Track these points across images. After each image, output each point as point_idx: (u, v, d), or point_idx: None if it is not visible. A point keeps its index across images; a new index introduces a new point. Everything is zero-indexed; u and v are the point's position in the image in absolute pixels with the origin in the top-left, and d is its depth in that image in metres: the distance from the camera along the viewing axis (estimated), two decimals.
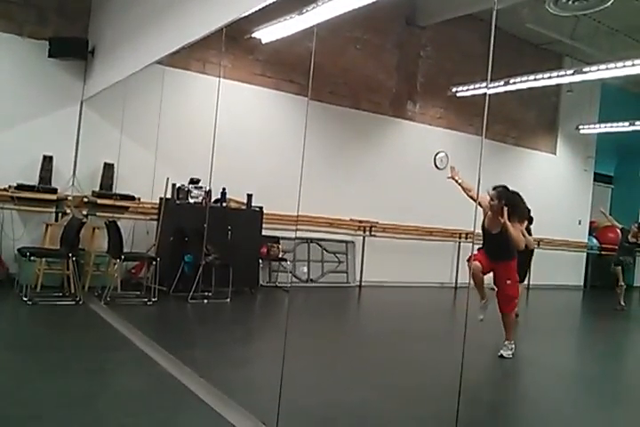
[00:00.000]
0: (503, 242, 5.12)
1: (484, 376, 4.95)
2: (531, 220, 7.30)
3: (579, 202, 13.29)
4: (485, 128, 3.36)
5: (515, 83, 9.26)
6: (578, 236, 13.06)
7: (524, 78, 9.19)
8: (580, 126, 12.62)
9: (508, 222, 4.98)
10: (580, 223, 13.27)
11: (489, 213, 5.26)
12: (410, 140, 10.55)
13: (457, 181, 5.66)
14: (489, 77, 3.28)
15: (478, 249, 5.52)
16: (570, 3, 7.99)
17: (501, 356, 5.29)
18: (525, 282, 11.55)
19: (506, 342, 5.37)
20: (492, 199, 5.18)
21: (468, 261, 5.67)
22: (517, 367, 5.40)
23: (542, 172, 12.63)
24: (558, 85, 10.69)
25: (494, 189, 5.23)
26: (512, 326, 5.47)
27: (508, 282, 5.33)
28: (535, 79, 9.14)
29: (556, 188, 12.67)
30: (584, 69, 8.60)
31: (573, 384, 5.07)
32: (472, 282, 5.37)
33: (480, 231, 5.43)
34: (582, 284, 13.39)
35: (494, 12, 3.52)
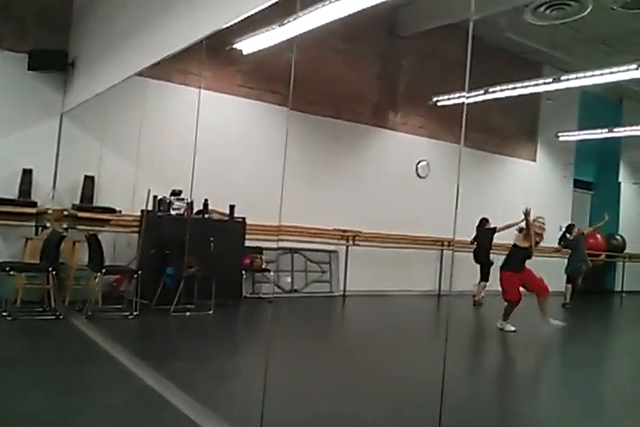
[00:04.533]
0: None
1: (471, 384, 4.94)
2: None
3: (559, 208, 13.39)
4: (464, 136, 3.38)
5: (494, 91, 9.36)
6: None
7: (504, 87, 9.29)
8: (560, 134, 12.76)
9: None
10: (560, 229, 13.36)
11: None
12: (391, 149, 10.60)
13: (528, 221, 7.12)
14: (467, 86, 3.31)
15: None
16: (547, 12, 8.10)
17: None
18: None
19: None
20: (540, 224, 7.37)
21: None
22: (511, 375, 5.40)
23: (523, 179, 12.75)
24: (538, 93, 10.79)
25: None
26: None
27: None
28: (515, 88, 9.24)
29: (536, 194, 12.74)
30: (563, 78, 8.71)
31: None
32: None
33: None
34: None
35: (471, 23, 3.56)
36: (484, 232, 10.29)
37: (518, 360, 6.42)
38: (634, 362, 6.56)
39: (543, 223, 7.26)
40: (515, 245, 7.34)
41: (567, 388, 5.12)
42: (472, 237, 10.36)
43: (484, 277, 10.11)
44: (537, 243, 7.22)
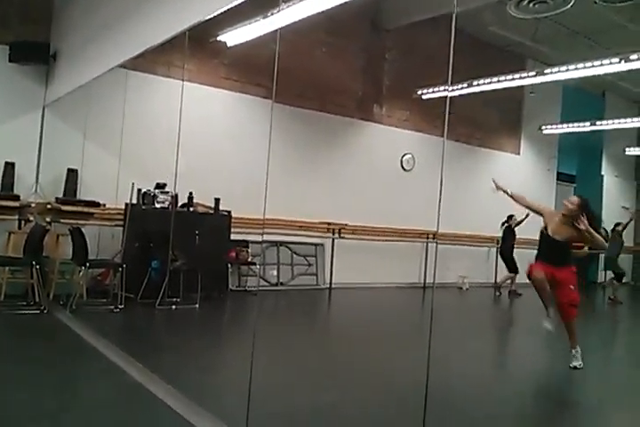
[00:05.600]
0: (566, 248, 5.31)
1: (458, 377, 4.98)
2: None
3: (543, 201, 13.39)
4: (448, 129, 3.42)
5: (478, 85, 9.39)
6: None
7: (488, 80, 9.33)
8: (543, 127, 12.85)
9: (591, 229, 5.07)
10: None
11: (556, 219, 5.28)
12: (376, 142, 10.62)
13: (508, 193, 5.79)
14: (450, 80, 3.33)
15: (536, 259, 5.40)
16: (530, 5, 8.13)
17: (575, 367, 5.13)
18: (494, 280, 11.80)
19: (573, 351, 5.21)
20: (570, 204, 5.19)
21: (530, 274, 5.29)
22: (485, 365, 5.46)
23: (506, 172, 12.75)
24: (521, 87, 10.86)
25: (579, 196, 5.37)
26: (575, 333, 5.29)
27: (572, 287, 5.24)
28: (498, 81, 9.28)
29: (520, 187, 12.58)
30: (545, 71, 8.76)
31: None
32: (539, 294, 5.24)
33: (537, 237, 5.47)
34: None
35: (454, 16, 3.56)
36: (508, 228, 10.82)
37: None
38: None
39: (571, 202, 5.21)
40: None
41: None
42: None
43: (511, 270, 10.79)
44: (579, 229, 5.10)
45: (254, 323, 5.69)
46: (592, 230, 5.09)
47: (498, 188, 5.82)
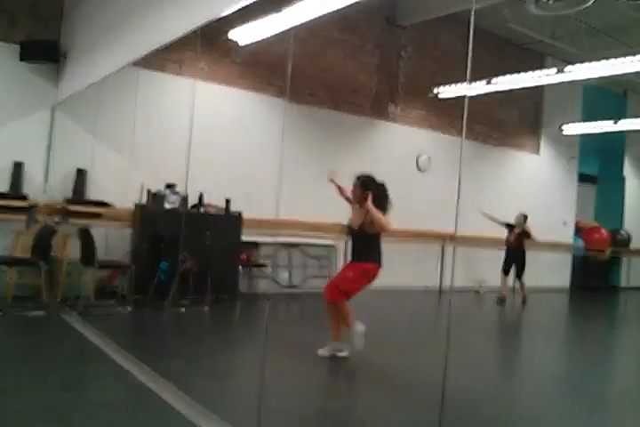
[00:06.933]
0: (365, 240, 4.95)
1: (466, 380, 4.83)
2: None
3: (563, 202, 13.28)
4: (466, 129, 3.30)
5: (497, 83, 9.22)
6: (563, 236, 13.03)
7: (507, 78, 9.16)
8: (563, 126, 12.61)
9: (370, 205, 4.75)
10: (565, 224, 13.26)
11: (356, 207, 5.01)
12: (391, 141, 10.45)
13: (335, 184, 5.52)
14: (468, 78, 3.19)
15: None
16: (550, 2, 7.96)
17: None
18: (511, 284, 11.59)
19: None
20: (354, 188, 5.00)
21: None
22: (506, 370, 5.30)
23: (526, 172, 12.61)
24: (541, 85, 10.65)
25: (358, 178, 5.08)
26: (343, 316, 5.12)
27: (346, 274, 5.15)
28: (517, 79, 9.11)
29: (540, 188, 12.64)
30: (566, 69, 8.58)
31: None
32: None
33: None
34: (568, 285, 13.36)
35: (472, 12, 3.43)
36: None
37: None
38: None
39: (353, 185, 5.22)
40: None
41: None
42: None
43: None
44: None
45: (266, 326, 5.59)
46: (372, 209, 4.77)
47: (332, 177, 5.54)
